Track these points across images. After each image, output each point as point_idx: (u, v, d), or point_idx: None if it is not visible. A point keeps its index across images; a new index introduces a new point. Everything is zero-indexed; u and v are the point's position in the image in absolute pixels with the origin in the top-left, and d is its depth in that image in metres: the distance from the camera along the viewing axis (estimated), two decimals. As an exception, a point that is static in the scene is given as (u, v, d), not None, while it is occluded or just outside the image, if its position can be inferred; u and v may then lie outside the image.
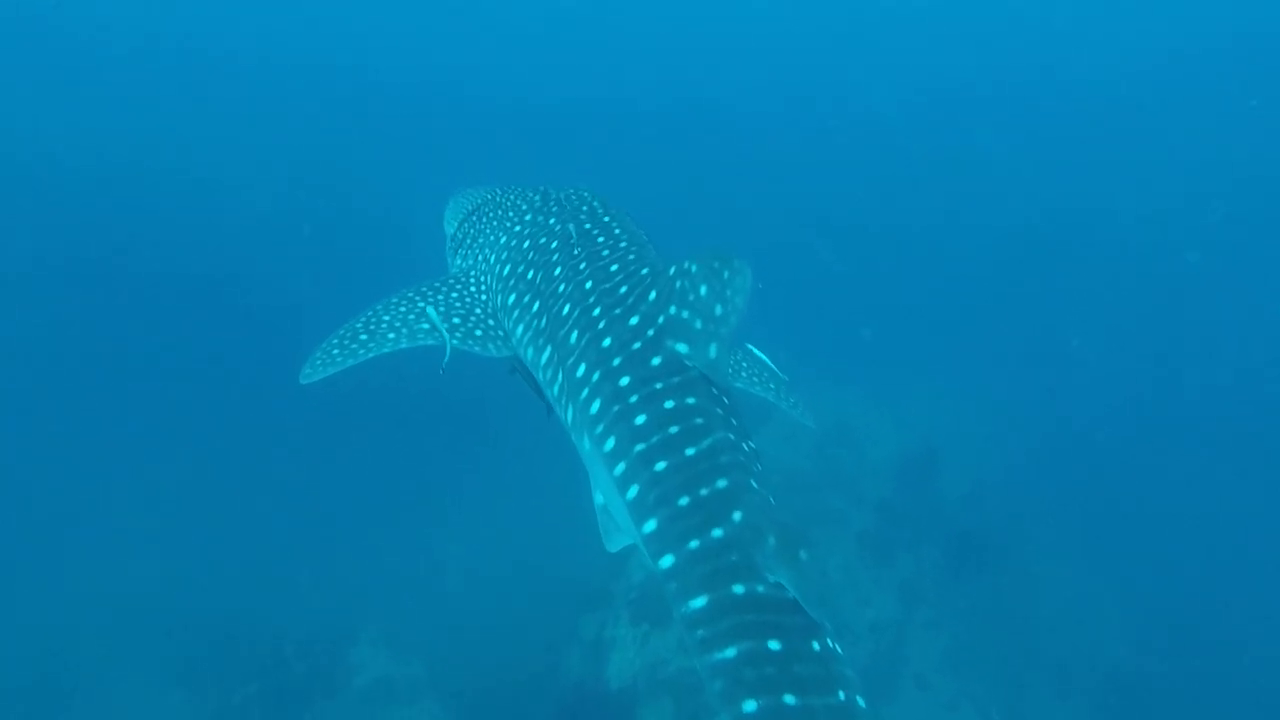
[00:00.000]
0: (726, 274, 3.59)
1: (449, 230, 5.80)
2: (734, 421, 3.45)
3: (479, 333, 4.71)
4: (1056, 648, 13.06)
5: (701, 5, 37.32)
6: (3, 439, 13.93)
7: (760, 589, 2.76)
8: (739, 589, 2.77)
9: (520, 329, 4.58)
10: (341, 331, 4.65)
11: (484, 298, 4.91)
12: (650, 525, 3.13)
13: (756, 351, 5.31)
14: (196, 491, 13.68)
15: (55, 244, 18.81)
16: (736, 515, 2.93)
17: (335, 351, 4.53)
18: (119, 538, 12.73)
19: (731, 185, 26.15)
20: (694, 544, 2.91)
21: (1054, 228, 26.94)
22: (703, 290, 3.65)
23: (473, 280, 5.06)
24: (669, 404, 3.43)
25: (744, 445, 3.34)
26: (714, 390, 3.52)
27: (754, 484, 3.11)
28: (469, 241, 5.43)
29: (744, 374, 5.01)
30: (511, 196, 5.60)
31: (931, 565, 13.18)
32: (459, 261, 5.45)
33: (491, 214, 5.47)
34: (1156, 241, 26.73)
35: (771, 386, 5.07)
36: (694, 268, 3.69)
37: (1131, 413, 19.53)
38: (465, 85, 33.19)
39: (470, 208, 5.70)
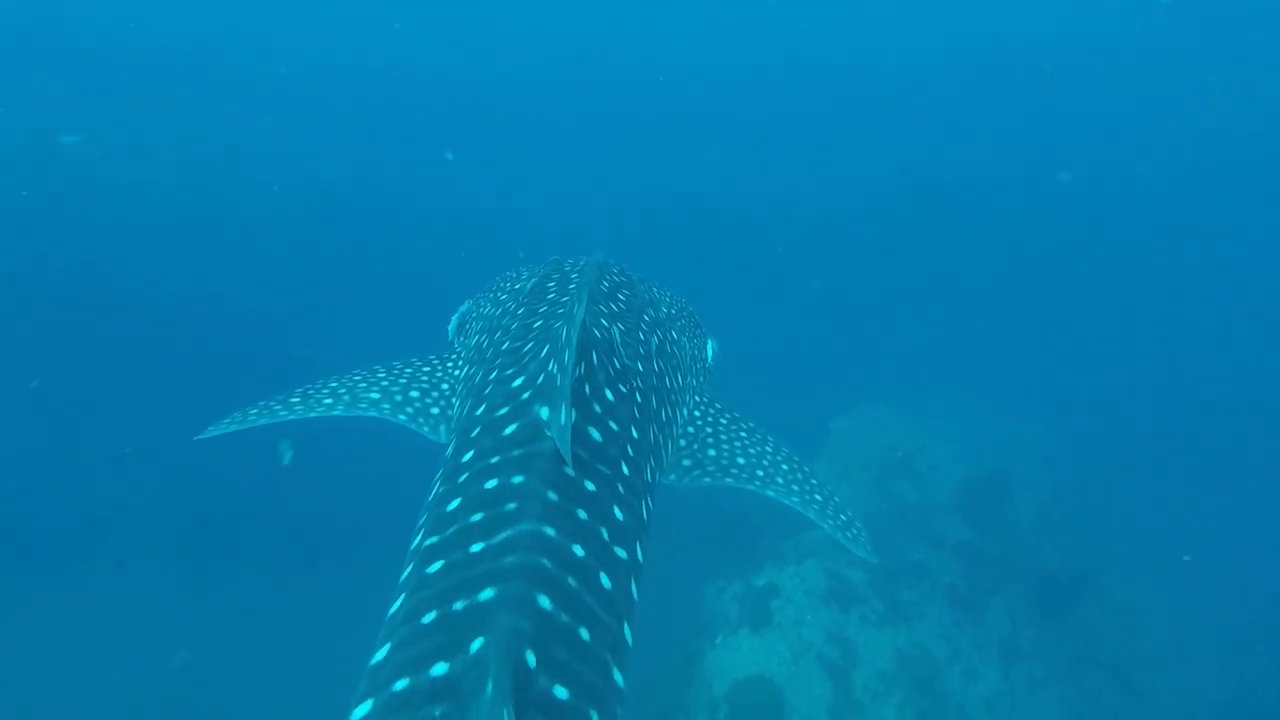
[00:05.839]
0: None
1: (462, 309, 5.24)
2: (581, 514, 2.51)
3: (435, 411, 3.98)
4: (1163, 684, 12.35)
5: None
6: None
7: None
8: None
9: (456, 404, 3.85)
10: (276, 397, 4.09)
11: (456, 373, 4.19)
12: (380, 652, 2.16)
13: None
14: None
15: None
16: (476, 643, 1.98)
17: (253, 411, 4.00)
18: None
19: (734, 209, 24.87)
20: (401, 684, 1.98)
21: (1072, 212, 26.12)
22: (564, 334, 2.89)
23: (451, 358, 4.41)
24: (490, 484, 2.57)
25: (574, 547, 2.37)
26: (567, 469, 2.61)
27: (542, 600, 2.14)
28: (469, 319, 4.83)
29: (780, 479, 3.97)
30: (519, 270, 5.00)
31: (1022, 610, 12.39)
32: (457, 340, 4.83)
33: (492, 289, 4.87)
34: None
35: (816, 498, 4.04)
36: (575, 308, 2.94)
37: (1203, 408, 18.72)
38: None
39: (485, 289, 5.06)
